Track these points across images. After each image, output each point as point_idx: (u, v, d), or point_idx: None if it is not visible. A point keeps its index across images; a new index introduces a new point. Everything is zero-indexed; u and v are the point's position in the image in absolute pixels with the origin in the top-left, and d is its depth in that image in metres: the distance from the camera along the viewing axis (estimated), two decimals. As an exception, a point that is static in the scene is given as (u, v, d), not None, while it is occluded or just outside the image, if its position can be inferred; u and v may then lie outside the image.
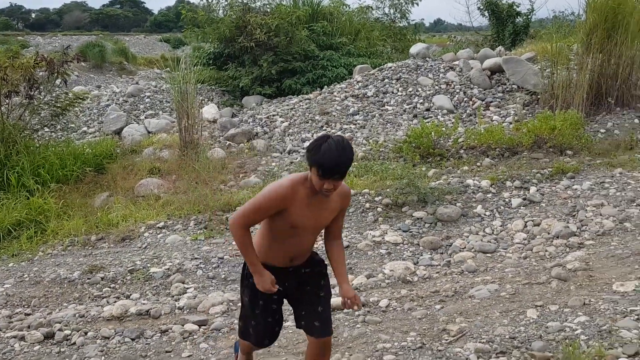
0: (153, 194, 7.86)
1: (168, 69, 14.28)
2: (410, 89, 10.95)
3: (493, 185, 7.12)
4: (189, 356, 4.26)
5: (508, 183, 7.14)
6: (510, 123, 9.14)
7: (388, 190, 7.09)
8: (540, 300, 4.40)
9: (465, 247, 5.97)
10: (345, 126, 10.02)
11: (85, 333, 4.69)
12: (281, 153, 9.44)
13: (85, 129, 11.09)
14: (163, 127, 10.72)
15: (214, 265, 5.90)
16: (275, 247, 2.93)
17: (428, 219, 6.60)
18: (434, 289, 5.05)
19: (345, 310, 4.74)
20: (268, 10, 14.47)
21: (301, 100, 11.42)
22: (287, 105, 11.51)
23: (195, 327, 4.69)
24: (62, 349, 4.52)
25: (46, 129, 9.93)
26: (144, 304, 5.19)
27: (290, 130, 10.17)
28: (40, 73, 8.82)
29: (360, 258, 6.02)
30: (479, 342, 3.74)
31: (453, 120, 9.30)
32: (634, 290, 4.25)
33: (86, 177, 8.42)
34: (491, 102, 10.16)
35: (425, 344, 3.92)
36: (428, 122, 8.96)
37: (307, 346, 3.18)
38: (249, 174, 8.48)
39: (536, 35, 14.91)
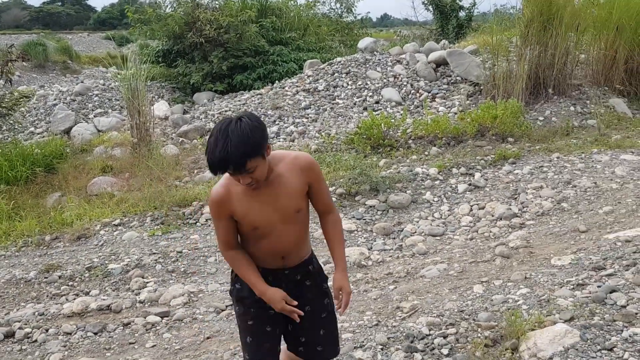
0: (107, 192, 7.83)
1: (114, 67, 14.11)
2: (359, 83, 11.21)
3: (440, 173, 7.44)
4: (153, 346, 4.36)
5: (454, 170, 7.48)
6: (455, 113, 9.52)
7: (341, 180, 7.31)
8: (485, 276, 4.70)
9: (415, 232, 6.25)
10: (297, 120, 10.18)
11: (47, 330, 4.71)
12: (235, 148, 9.52)
13: (32, 129, 10.85)
14: (113, 125, 10.62)
15: (172, 260, 5.98)
16: (258, 251, 2.52)
17: (380, 207, 6.86)
18: (388, 271, 5.30)
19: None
20: (217, 6, 14.46)
21: (253, 96, 11.52)
22: (239, 100, 11.58)
23: (158, 318, 4.78)
24: (23, 347, 4.53)
25: (-9, 130, 9.70)
26: (104, 299, 5.23)
27: (243, 126, 10.25)
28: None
29: (316, 246, 6.21)
30: (430, 316, 3.99)
31: (401, 112, 9.60)
32: (570, 263, 4.60)
33: (36, 177, 8.31)
34: (437, 93, 10.55)
35: (381, 321, 4.14)
36: (378, 114, 9.22)
37: None
38: (203, 170, 8.54)
39: (479, 29, 15.45)
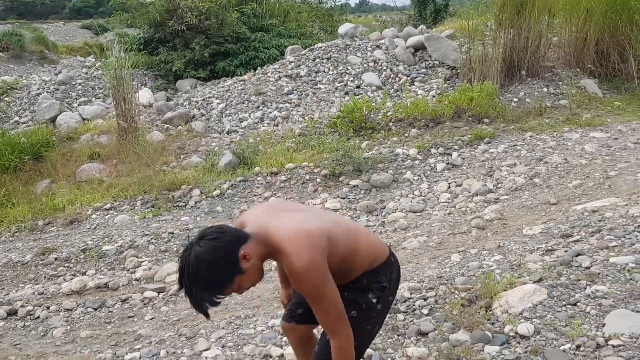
0: (96, 179, 8.00)
1: (92, 56, 14.11)
2: (340, 68, 11.45)
3: (420, 153, 7.75)
4: (151, 318, 4.61)
5: (433, 150, 7.79)
6: (434, 96, 9.82)
7: (325, 162, 7.58)
8: (462, 246, 5.03)
9: (397, 209, 6.56)
10: (280, 105, 10.40)
11: (48, 307, 4.94)
12: (220, 133, 9.73)
13: (17, 118, 10.92)
14: (98, 113, 10.73)
15: (165, 240, 6.21)
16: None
17: (363, 186, 7.15)
18: (371, 245, 5.60)
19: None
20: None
21: (236, 82, 11.69)
22: (222, 87, 11.75)
23: (155, 294, 5.03)
24: (26, 323, 4.76)
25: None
26: (100, 278, 5.46)
27: (227, 111, 10.46)
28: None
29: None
30: (412, 282, 4.30)
31: (382, 95, 9.88)
32: (540, 232, 4.94)
33: (25, 165, 8.44)
34: (416, 77, 10.83)
35: (366, 289, 4.44)
36: (359, 98, 9.49)
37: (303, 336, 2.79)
38: (190, 155, 8.74)
39: (455, 14, 15.75)
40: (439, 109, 8.94)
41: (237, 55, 13.69)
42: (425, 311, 3.79)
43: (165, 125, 10.10)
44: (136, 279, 5.40)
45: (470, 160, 7.43)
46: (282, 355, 3.52)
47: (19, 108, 11.40)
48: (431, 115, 8.90)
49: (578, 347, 3.02)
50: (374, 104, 9.16)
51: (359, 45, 12.26)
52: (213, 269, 1.94)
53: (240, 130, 9.70)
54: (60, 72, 14.29)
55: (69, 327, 4.61)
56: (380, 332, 3.50)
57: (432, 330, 3.50)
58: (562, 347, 3.04)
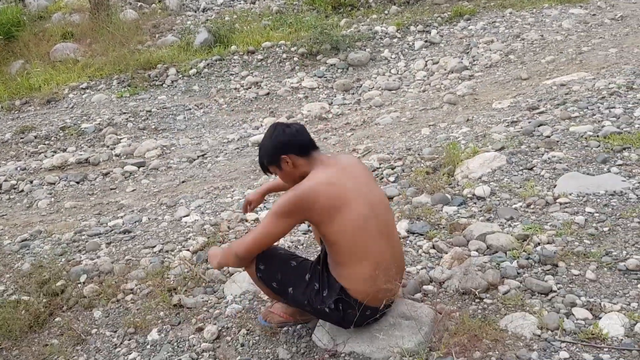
0: (70, 58, 7.87)
1: None
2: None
3: (399, 31, 7.67)
4: (133, 190, 4.80)
5: (412, 28, 7.71)
6: (416, -29, 9.50)
7: (303, 40, 7.49)
8: (433, 121, 5.17)
9: (373, 87, 6.62)
10: (257, -19, 10.03)
11: (31, 182, 5.10)
12: (195, 11, 9.46)
13: (-18, -4, 10.43)
14: (68, -10, 10.28)
15: (143, 118, 6.28)
16: None
17: (340, 65, 7.14)
18: (346, 121, 5.74)
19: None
20: None
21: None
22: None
23: (135, 168, 5.19)
24: (11, 197, 4.93)
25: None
26: (81, 154, 5.58)
27: (203, -12, 10.08)
28: None
29: (280, 103, 6.57)
30: (381, 154, 4.48)
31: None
32: (509, 106, 5.07)
33: (-4, 45, 8.23)
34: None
35: (338, 160, 4.62)
36: (338, -26, 9.16)
37: None
38: (165, 33, 8.56)
39: None
40: (420, -16, 8.70)
41: None
42: (392, 179, 3.99)
43: (139, 3, 9.77)
44: (116, 155, 5.53)
45: (448, 38, 7.39)
46: (256, 219, 3.75)
47: (-18, -15, 10.85)
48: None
49: (529, 205, 3.26)
50: (353, -20, 8.88)
51: None
52: (264, 149, 2.34)
53: (216, 7, 9.44)
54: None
55: (52, 199, 4.79)
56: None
57: (397, 194, 3.72)
58: (514, 206, 3.28)
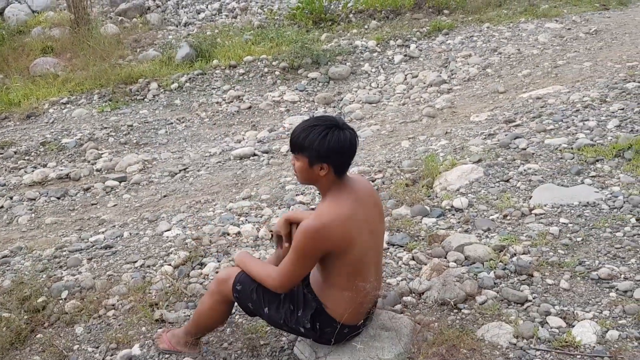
0: (50, 73, 7.83)
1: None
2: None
3: (378, 45, 7.78)
4: (114, 205, 4.80)
5: (392, 42, 7.83)
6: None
7: (284, 54, 7.56)
8: (412, 134, 5.26)
9: (354, 100, 6.70)
10: (238, -4, 10.11)
11: (11, 198, 5.06)
12: (176, 26, 9.49)
13: (-40, 10, 10.36)
14: (48, 5, 10.26)
15: (124, 133, 6.27)
16: None
17: (321, 79, 7.23)
18: (327, 134, 5.78)
19: (251, 157, 5.43)
20: None
21: (192, -28, 11.20)
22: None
23: (116, 183, 5.18)
24: (-10, 213, 4.88)
25: None
26: (62, 169, 5.55)
27: (184, 3, 10.13)
28: None
29: (262, 116, 6.62)
30: (362, 167, 4.54)
31: (342, -14, 9.66)
32: (486, 119, 5.18)
33: (-26, 59, 8.17)
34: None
35: (319, 173, 4.67)
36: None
37: None
38: (146, 48, 8.57)
39: None
40: (399, -1, 8.86)
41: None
42: (372, 191, 4.04)
43: (120, 18, 9.77)
44: (97, 170, 5.51)
45: (427, 52, 7.51)
46: (238, 232, 3.77)
47: (-39, -1, 10.77)
48: (392, 6, 8.83)
49: (505, 216, 3.34)
50: (334, -5, 9.00)
51: None
52: (310, 140, 2.12)
53: (198, 22, 9.49)
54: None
55: (33, 214, 4.76)
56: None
57: (377, 207, 3.77)
58: (491, 217, 3.36)
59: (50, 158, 5.87)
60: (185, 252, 3.48)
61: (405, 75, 7.02)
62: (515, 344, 2.30)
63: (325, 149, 2.10)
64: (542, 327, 2.38)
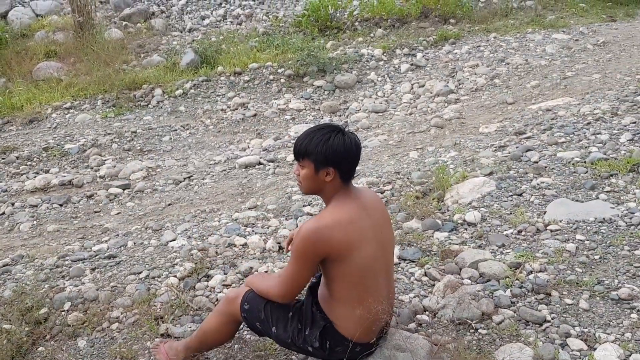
0: (54, 77, 7.78)
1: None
2: (306, -36, 11.02)
3: (385, 54, 7.73)
4: (117, 213, 4.72)
5: (398, 51, 7.77)
6: (401, -5, 9.64)
7: (290, 62, 7.51)
8: (420, 144, 5.19)
9: (360, 109, 6.64)
10: (244, 2, 10.08)
11: (13, 204, 4.98)
12: (181, 32, 9.45)
13: (-36, 13, 10.32)
14: (52, 9, 10.22)
15: (128, 139, 6.21)
16: None
17: (327, 87, 7.17)
18: (333, 144, 5.71)
19: (257, 166, 5.36)
20: None
21: (197, -22, 11.17)
22: (182, -17, 11.22)
23: (120, 190, 5.11)
24: (-8, 219, 4.80)
25: None
26: (64, 176, 5.48)
27: (189, 8, 10.10)
28: None
29: (267, 124, 6.55)
30: (370, 177, 4.47)
31: (348, -7, 9.63)
32: (495, 130, 5.11)
33: (-23, 63, 8.11)
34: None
35: (326, 184, 4.59)
36: (324, -3, 9.24)
37: None
38: (150, 53, 8.52)
39: None
40: (405, 8, 8.81)
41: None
42: (381, 203, 3.97)
43: (124, 23, 9.73)
44: (100, 177, 5.44)
45: (434, 61, 7.46)
46: (245, 244, 3.69)
47: (-35, 2, 10.73)
48: (398, 15, 8.78)
49: (519, 232, 3.26)
50: (340, 2, 8.96)
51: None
52: (314, 145, 2.11)
53: (202, 28, 9.44)
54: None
55: (35, 222, 4.68)
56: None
57: (387, 219, 3.69)
58: (505, 232, 3.28)
59: (53, 164, 5.79)
60: (190, 263, 3.40)
61: (412, 85, 6.96)
62: (535, 367, 2.22)
63: (331, 151, 2.08)
64: (562, 349, 2.30)
